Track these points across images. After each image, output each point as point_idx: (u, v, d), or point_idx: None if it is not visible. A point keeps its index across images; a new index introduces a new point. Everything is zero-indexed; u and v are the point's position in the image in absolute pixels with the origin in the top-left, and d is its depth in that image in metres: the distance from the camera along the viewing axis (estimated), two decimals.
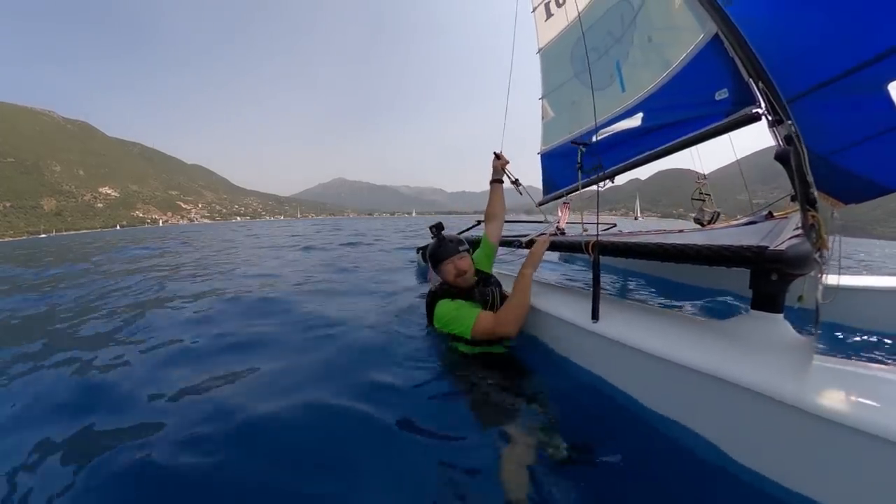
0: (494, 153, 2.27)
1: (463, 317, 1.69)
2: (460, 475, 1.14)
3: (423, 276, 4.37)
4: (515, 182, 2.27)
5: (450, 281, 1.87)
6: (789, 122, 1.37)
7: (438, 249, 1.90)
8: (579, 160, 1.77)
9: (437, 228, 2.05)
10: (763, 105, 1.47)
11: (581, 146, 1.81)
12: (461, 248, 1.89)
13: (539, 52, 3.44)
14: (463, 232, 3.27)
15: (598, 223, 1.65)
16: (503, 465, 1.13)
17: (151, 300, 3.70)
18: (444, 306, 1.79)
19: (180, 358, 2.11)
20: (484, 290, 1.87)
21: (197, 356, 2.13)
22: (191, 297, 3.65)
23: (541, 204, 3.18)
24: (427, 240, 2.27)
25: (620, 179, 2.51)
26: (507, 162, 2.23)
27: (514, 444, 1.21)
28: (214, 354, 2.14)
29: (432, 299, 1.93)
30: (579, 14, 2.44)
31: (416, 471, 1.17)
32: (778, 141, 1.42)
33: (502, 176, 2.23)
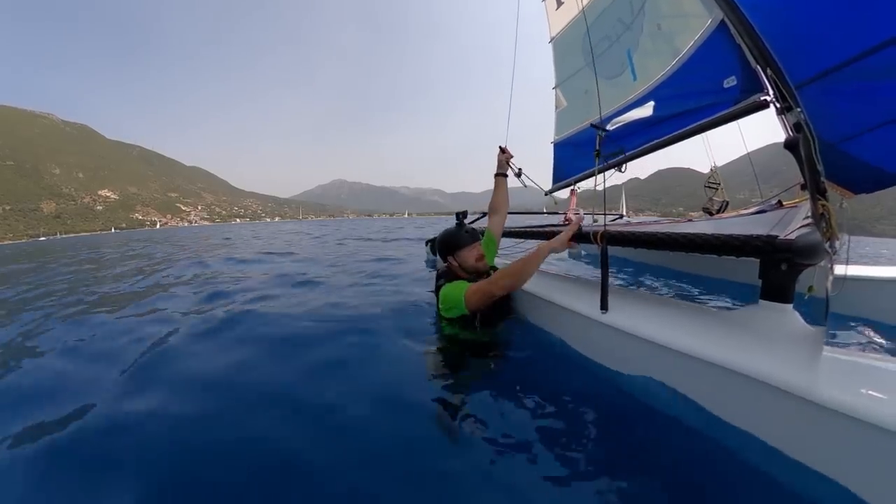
0: (500, 147, 2.32)
1: (457, 294, 1.75)
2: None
3: (434, 266, 4.36)
4: (519, 173, 2.30)
5: (470, 265, 1.94)
6: (798, 109, 1.34)
7: (463, 235, 1.98)
8: (598, 146, 1.74)
9: (463, 215, 2.22)
10: (771, 92, 1.44)
11: (601, 130, 1.77)
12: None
13: (551, 41, 3.42)
14: (471, 222, 3.26)
15: (605, 213, 1.63)
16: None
17: None
18: (448, 287, 1.84)
19: None
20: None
21: None
22: None
23: (549, 192, 3.17)
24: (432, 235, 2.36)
25: (620, 178, 2.50)
26: (512, 156, 2.31)
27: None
28: None
29: (437, 280, 2.04)
30: (583, 10, 2.40)
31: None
32: (787, 129, 1.39)
33: (506, 170, 2.28)
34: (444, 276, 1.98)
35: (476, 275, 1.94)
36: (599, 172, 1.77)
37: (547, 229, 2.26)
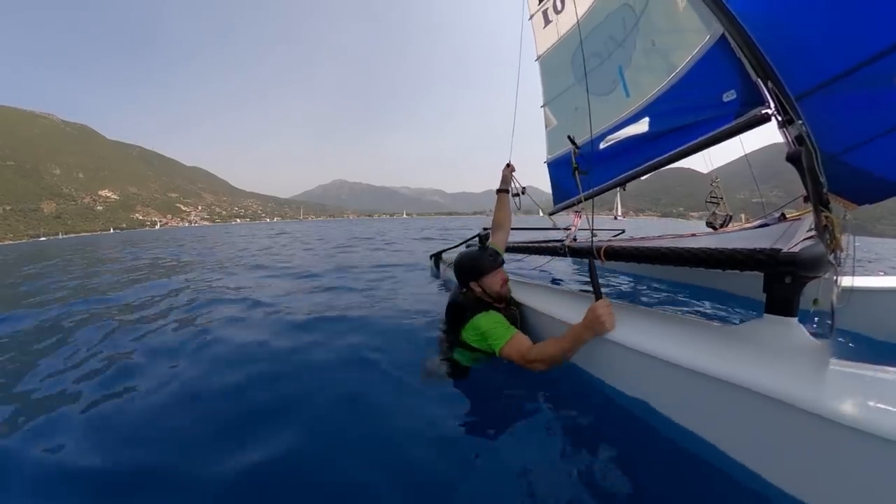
0: (508, 164, 2.42)
1: (500, 334, 1.65)
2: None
3: (438, 279, 4.33)
4: (521, 192, 2.40)
5: (495, 291, 1.84)
6: (800, 121, 1.34)
7: (488, 259, 1.86)
8: (574, 163, 1.76)
9: (485, 237, 2.23)
10: (772, 105, 1.45)
11: (575, 148, 1.79)
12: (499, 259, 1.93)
13: (538, 59, 3.41)
14: (466, 242, 3.25)
15: (591, 228, 1.64)
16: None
17: None
18: (484, 319, 1.73)
19: None
20: (511, 309, 1.93)
21: None
22: None
23: (551, 214, 3.17)
24: (437, 246, 2.42)
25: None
26: (514, 169, 2.42)
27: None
28: None
29: (460, 311, 1.85)
30: (578, 22, 2.42)
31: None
32: (789, 141, 1.40)
33: (509, 185, 2.37)
34: (471, 307, 1.81)
35: (499, 300, 1.87)
36: (588, 198, 1.79)
37: (550, 245, 2.27)
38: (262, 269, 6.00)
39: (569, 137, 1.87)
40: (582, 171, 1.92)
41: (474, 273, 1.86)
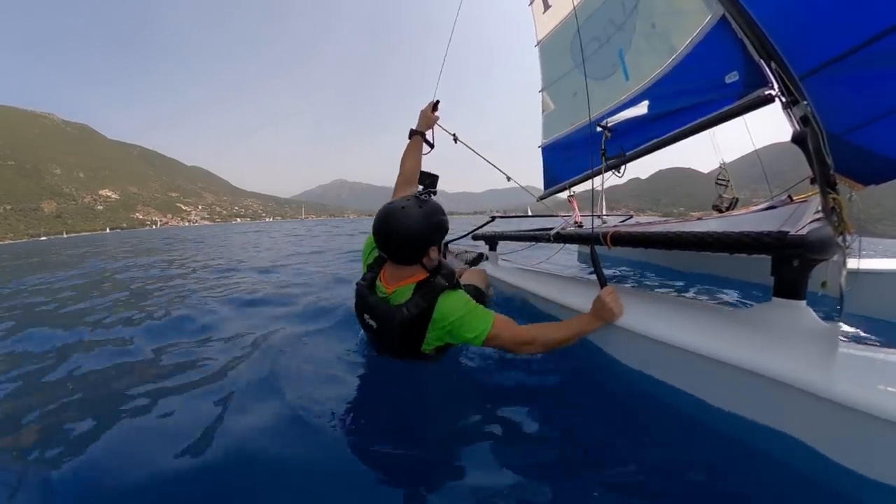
0: (434, 102, 1.88)
1: (481, 315, 1.25)
2: None
3: None
4: (454, 139, 2.18)
5: (434, 259, 1.33)
6: (805, 102, 1.31)
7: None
8: (603, 145, 1.72)
9: (431, 182, 1.55)
10: (776, 86, 1.42)
11: (606, 130, 1.74)
12: None
13: (538, 44, 3.41)
14: (479, 228, 3.09)
15: (592, 215, 1.60)
16: None
17: None
18: (452, 300, 1.25)
19: None
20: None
21: None
22: None
23: (541, 198, 3.13)
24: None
25: (616, 180, 2.46)
26: (437, 118, 1.90)
27: None
28: None
29: (436, 293, 1.25)
30: (574, 8, 2.41)
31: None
32: (794, 123, 1.36)
33: (430, 128, 1.84)
34: (433, 291, 1.25)
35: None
36: (606, 170, 1.74)
37: (548, 232, 2.22)
38: None
39: (599, 126, 1.84)
40: (609, 157, 1.84)
41: (444, 231, 1.33)
